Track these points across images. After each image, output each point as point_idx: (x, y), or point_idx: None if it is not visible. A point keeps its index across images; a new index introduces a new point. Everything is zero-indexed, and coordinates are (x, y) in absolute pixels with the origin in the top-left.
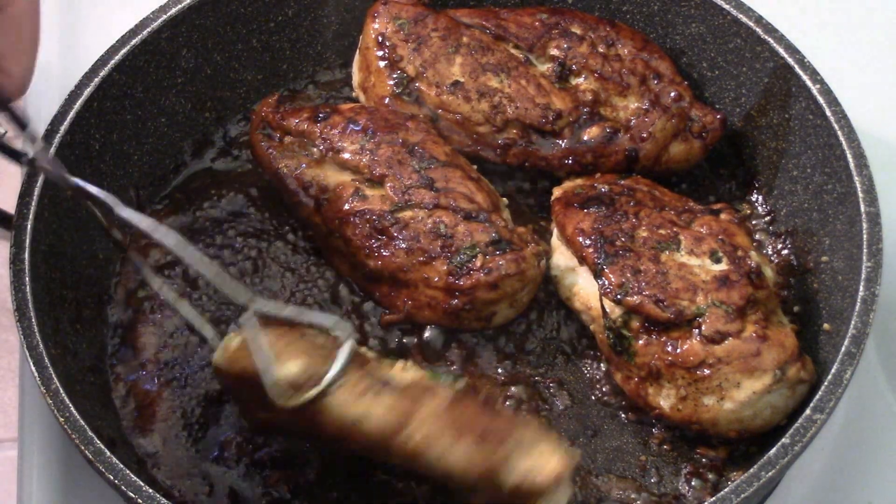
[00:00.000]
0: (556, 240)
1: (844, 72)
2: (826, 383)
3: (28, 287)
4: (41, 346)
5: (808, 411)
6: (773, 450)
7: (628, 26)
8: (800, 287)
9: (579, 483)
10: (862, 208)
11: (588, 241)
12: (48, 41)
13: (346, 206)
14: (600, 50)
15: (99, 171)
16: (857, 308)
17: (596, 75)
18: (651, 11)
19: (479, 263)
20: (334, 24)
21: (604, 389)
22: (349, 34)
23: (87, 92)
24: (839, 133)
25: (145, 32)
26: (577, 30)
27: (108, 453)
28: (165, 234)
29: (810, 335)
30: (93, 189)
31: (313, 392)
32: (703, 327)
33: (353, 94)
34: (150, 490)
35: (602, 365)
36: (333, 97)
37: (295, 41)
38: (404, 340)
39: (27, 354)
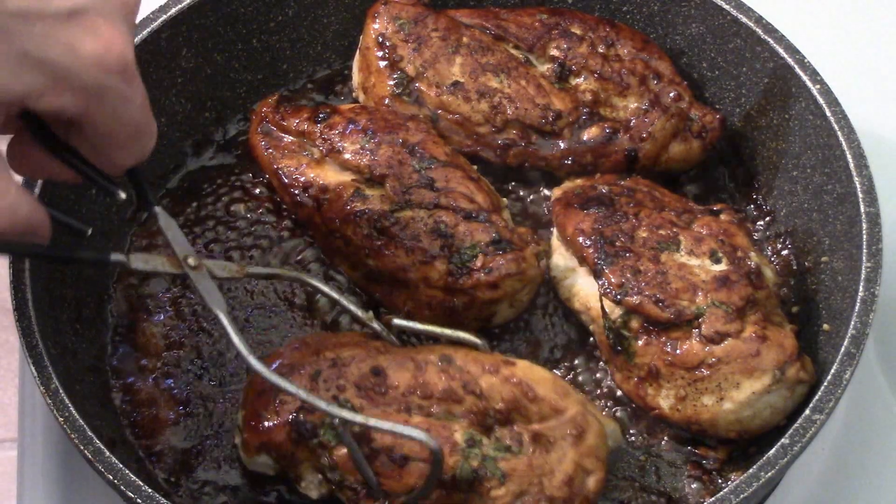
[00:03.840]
0: (555, 240)
1: (844, 72)
2: (825, 384)
3: (28, 287)
4: (41, 346)
5: (807, 412)
6: (773, 450)
7: (628, 26)
8: (799, 287)
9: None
10: (862, 209)
11: (588, 242)
12: None
13: (347, 206)
14: (600, 50)
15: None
16: (857, 308)
17: (596, 75)
18: (651, 11)
19: (479, 263)
20: (334, 24)
21: (603, 389)
22: (349, 34)
23: None
24: (839, 133)
25: (145, 32)
26: (576, 30)
27: (108, 453)
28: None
29: (810, 335)
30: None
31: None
32: (702, 327)
33: (353, 94)
34: (150, 490)
35: (601, 365)
36: (333, 97)
37: (295, 41)
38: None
39: (27, 354)
